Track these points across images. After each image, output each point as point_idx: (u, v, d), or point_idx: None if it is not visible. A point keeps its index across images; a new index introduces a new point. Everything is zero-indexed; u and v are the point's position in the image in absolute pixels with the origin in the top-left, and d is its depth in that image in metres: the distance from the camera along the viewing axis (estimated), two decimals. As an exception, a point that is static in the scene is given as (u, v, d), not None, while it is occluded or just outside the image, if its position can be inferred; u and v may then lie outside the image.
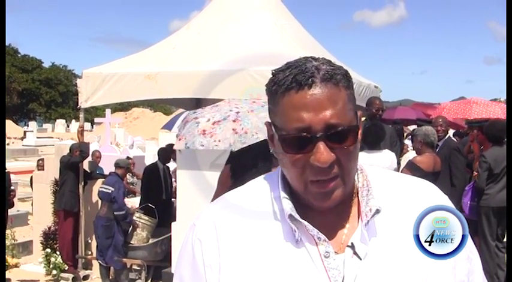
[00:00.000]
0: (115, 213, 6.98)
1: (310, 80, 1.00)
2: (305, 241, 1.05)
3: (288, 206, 1.06)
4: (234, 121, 4.11)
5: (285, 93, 1.02)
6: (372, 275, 1.02)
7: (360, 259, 1.04)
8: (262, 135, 3.97)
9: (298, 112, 1.00)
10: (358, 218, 1.09)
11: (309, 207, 1.07)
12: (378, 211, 1.05)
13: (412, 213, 1.08)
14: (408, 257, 1.05)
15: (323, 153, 0.99)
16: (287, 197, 1.09)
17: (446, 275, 1.06)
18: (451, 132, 8.15)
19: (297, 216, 1.05)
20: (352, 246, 1.05)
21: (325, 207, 1.05)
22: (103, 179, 8.02)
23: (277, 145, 1.08)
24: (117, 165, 7.47)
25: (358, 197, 1.11)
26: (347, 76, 1.06)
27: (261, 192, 1.14)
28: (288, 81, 1.02)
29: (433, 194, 1.15)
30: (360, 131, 1.08)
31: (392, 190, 1.13)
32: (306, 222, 1.04)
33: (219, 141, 4.06)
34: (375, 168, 1.18)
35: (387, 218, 1.08)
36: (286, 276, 1.03)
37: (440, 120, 6.71)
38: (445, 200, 1.15)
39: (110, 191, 7.02)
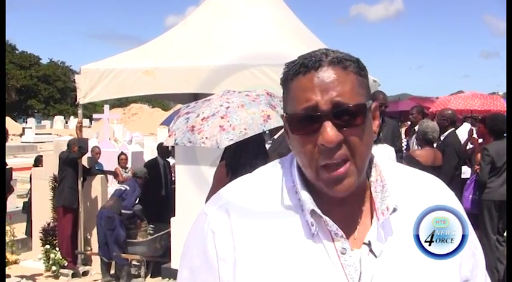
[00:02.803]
0: (122, 211, 7.01)
1: (317, 63, 1.02)
2: (321, 236, 1.03)
3: (309, 200, 1.04)
4: (222, 117, 4.05)
5: (293, 78, 1.04)
6: (388, 273, 1.02)
7: (376, 257, 1.03)
8: (251, 131, 3.95)
9: (306, 93, 1.01)
10: (371, 213, 1.08)
11: (323, 200, 1.05)
12: (394, 210, 1.04)
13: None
14: (421, 255, 1.04)
15: (329, 132, 0.98)
16: (305, 189, 1.06)
17: (454, 272, 1.07)
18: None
19: (319, 211, 1.03)
20: (369, 244, 1.04)
21: (338, 196, 1.02)
22: (102, 175, 8.03)
23: (287, 130, 1.07)
24: (135, 175, 7.72)
25: (370, 191, 1.10)
26: (358, 63, 1.06)
27: (273, 181, 1.12)
28: (296, 67, 1.04)
29: (442, 191, 1.16)
30: (377, 123, 1.10)
31: (405, 187, 1.12)
32: (327, 218, 1.02)
33: (206, 138, 4.02)
34: (388, 162, 1.17)
35: (401, 216, 1.07)
36: (302, 272, 1.01)
37: (448, 112, 6.69)
38: (451, 197, 1.15)
39: (124, 188, 7.16)
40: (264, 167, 1.17)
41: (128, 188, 7.15)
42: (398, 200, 1.06)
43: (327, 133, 0.98)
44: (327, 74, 1.01)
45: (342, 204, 1.07)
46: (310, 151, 1.01)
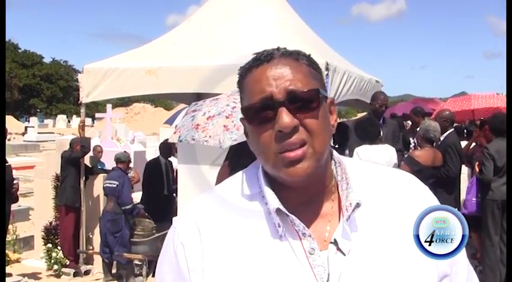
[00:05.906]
0: (122, 208, 6.99)
1: (269, 56, 1.06)
2: (289, 237, 1.04)
3: (275, 200, 1.05)
4: (227, 117, 4.07)
5: (247, 73, 1.08)
6: (356, 271, 1.02)
7: (344, 255, 1.03)
8: None
9: (260, 84, 1.05)
10: (340, 213, 1.08)
11: (290, 200, 1.06)
12: (358, 205, 1.04)
13: (393, 205, 1.09)
14: (391, 251, 1.04)
15: (284, 118, 1.00)
16: (271, 190, 1.07)
17: (429, 268, 1.06)
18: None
19: (284, 209, 1.03)
20: (335, 243, 1.04)
21: (297, 180, 1.03)
22: (105, 174, 8.03)
23: (245, 124, 1.10)
24: (118, 160, 7.45)
25: (338, 191, 1.10)
26: (310, 58, 1.10)
27: (241, 188, 1.13)
28: (249, 63, 1.09)
29: (413, 186, 1.15)
30: (334, 117, 1.12)
31: (371, 183, 1.12)
32: (293, 216, 1.03)
33: (210, 137, 4.05)
34: (355, 161, 1.18)
35: (368, 211, 1.07)
36: (270, 274, 1.01)
37: (446, 113, 6.67)
38: (425, 192, 1.15)
39: (115, 185, 7.03)
40: (233, 176, 1.18)
41: (117, 183, 7.05)
42: (362, 195, 1.06)
43: (282, 119, 1.00)
44: (279, 65, 1.05)
45: (310, 203, 1.08)
46: (267, 139, 1.03)
